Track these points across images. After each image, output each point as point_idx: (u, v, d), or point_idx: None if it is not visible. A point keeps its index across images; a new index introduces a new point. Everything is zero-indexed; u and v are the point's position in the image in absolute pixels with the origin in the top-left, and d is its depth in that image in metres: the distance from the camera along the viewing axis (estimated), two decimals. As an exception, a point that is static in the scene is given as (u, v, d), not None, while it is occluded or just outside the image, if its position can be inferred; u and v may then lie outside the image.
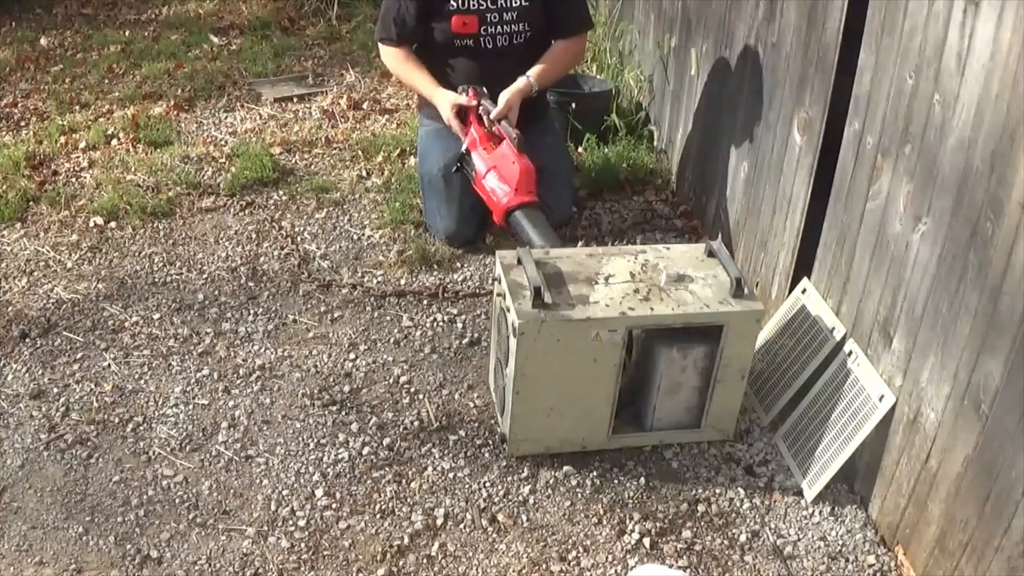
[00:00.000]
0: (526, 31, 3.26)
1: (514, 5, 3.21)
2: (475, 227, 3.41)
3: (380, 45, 3.40)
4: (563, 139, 3.80)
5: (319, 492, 2.43)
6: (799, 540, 2.35)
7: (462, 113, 3.18)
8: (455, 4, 3.18)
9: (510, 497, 2.44)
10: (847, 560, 2.30)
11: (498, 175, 2.93)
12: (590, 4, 4.86)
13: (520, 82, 3.17)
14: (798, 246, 2.72)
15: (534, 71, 3.20)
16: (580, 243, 2.79)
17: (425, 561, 2.27)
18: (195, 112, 4.47)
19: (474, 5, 3.19)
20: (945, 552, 2.07)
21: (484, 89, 3.17)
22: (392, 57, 3.36)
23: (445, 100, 3.20)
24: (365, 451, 2.56)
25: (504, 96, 3.11)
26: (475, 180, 3.03)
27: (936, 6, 1.99)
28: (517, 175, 2.88)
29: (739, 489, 2.49)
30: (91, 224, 3.53)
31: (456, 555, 2.29)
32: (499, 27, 3.23)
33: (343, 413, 2.69)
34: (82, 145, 4.08)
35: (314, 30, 5.53)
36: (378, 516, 2.38)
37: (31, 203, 3.66)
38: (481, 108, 3.12)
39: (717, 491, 2.48)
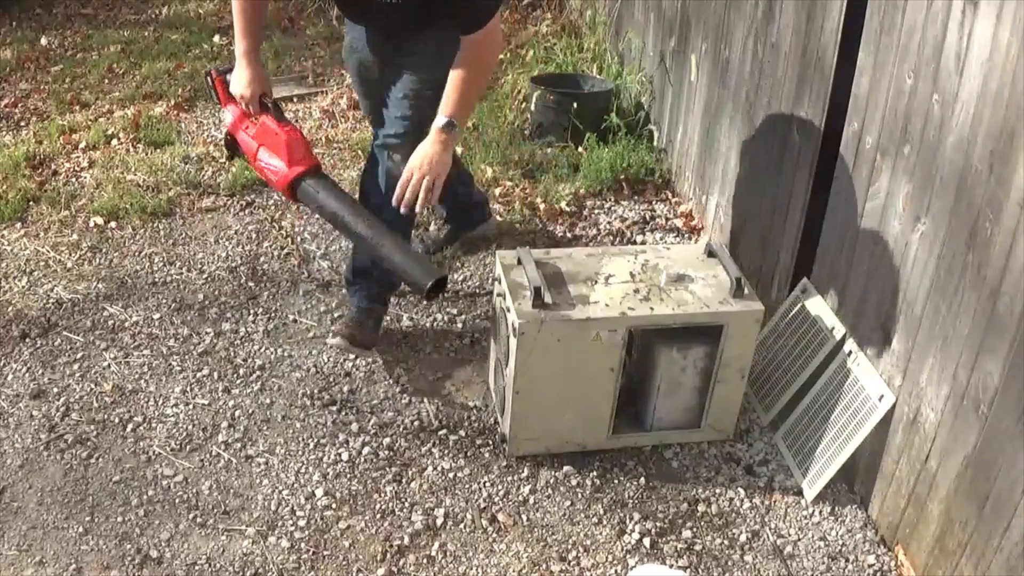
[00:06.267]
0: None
1: None
2: None
3: None
4: (432, 61, 2.61)
5: (319, 492, 2.43)
6: (799, 540, 2.35)
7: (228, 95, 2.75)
8: None
9: (510, 497, 2.45)
10: (847, 560, 2.30)
11: (268, 150, 2.68)
12: (590, 6, 4.89)
13: (433, 135, 2.43)
14: (798, 246, 2.72)
15: (447, 106, 2.43)
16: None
17: (425, 561, 2.27)
18: (195, 112, 4.47)
19: None
20: (945, 552, 2.08)
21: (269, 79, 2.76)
22: None
23: (236, 80, 2.70)
24: (365, 451, 2.56)
25: (413, 160, 2.43)
26: (250, 160, 2.78)
27: (935, 6, 2.00)
28: (284, 145, 2.63)
29: (739, 489, 2.49)
30: (91, 224, 3.53)
31: (456, 555, 2.29)
32: None
33: (343, 413, 2.69)
34: (82, 145, 4.08)
35: (314, 30, 5.53)
36: (378, 516, 2.38)
37: (31, 203, 3.66)
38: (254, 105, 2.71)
39: (717, 491, 2.48)
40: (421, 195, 2.41)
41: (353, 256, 2.94)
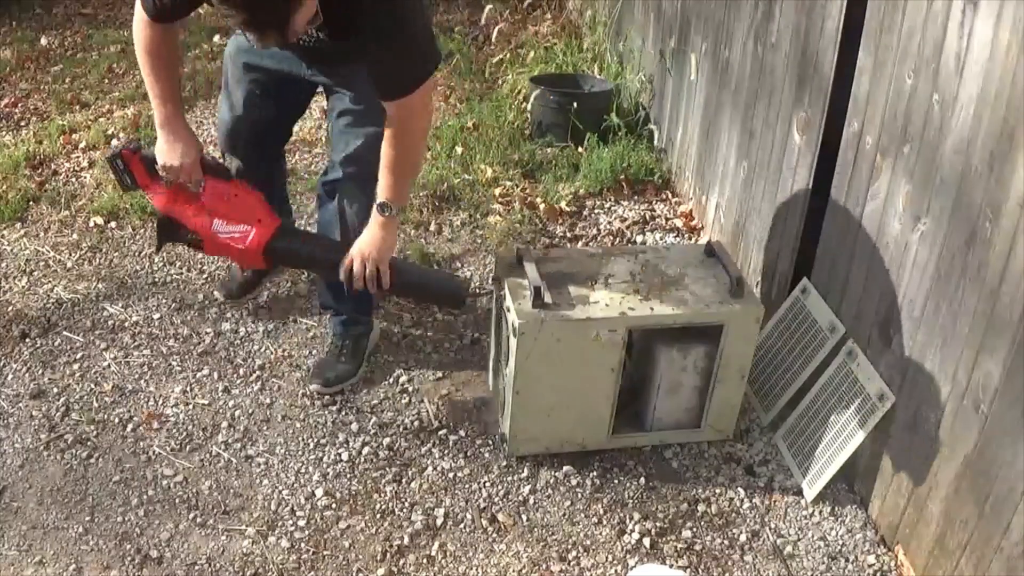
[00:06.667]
0: (323, 45, 2.32)
1: (312, 32, 2.22)
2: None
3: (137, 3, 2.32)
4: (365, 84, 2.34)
5: (319, 492, 2.43)
6: (799, 540, 2.35)
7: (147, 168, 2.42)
8: None
9: (510, 497, 2.45)
10: (847, 560, 2.30)
11: (225, 218, 2.40)
12: (590, 6, 4.89)
13: (372, 220, 2.35)
14: (798, 246, 2.72)
15: (382, 188, 2.33)
16: (580, 243, 2.77)
17: (425, 561, 2.27)
18: (195, 112, 4.46)
19: None
20: (945, 552, 2.08)
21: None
22: (142, 30, 2.33)
23: (168, 151, 2.38)
24: (365, 451, 2.56)
25: (355, 246, 2.37)
26: (205, 243, 2.43)
27: (935, 6, 2.00)
28: (248, 204, 2.39)
29: (739, 489, 2.49)
30: (91, 224, 3.53)
31: (456, 555, 2.29)
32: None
33: (343, 413, 2.69)
34: (82, 145, 4.08)
35: (314, 30, 5.52)
36: (378, 516, 2.38)
37: (31, 203, 3.66)
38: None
39: (717, 491, 2.48)
40: (369, 286, 2.36)
41: (318, 288, 2.90)
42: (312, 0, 1.96)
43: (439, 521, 2.37)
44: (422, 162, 2.74)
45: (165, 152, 2.38)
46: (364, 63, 2.22)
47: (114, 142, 2.42)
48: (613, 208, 3.72)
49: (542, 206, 3.66)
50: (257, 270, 2.83)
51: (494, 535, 2.35)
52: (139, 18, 2.32)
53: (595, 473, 2.52)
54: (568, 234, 3.54)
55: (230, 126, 2.67)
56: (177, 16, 2.35)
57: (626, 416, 2.58)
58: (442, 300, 2.60)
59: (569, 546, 2.32)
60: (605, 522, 2.38)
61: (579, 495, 2.46)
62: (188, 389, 2.77)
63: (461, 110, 4.45)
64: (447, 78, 4.86)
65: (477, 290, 3.22)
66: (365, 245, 2.36)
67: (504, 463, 2.54)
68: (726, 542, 2.34)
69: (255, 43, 2.08)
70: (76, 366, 2.84)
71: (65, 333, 2.98)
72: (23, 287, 3.19)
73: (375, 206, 2.35)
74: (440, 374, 2.85)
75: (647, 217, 3.67)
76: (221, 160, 2.48)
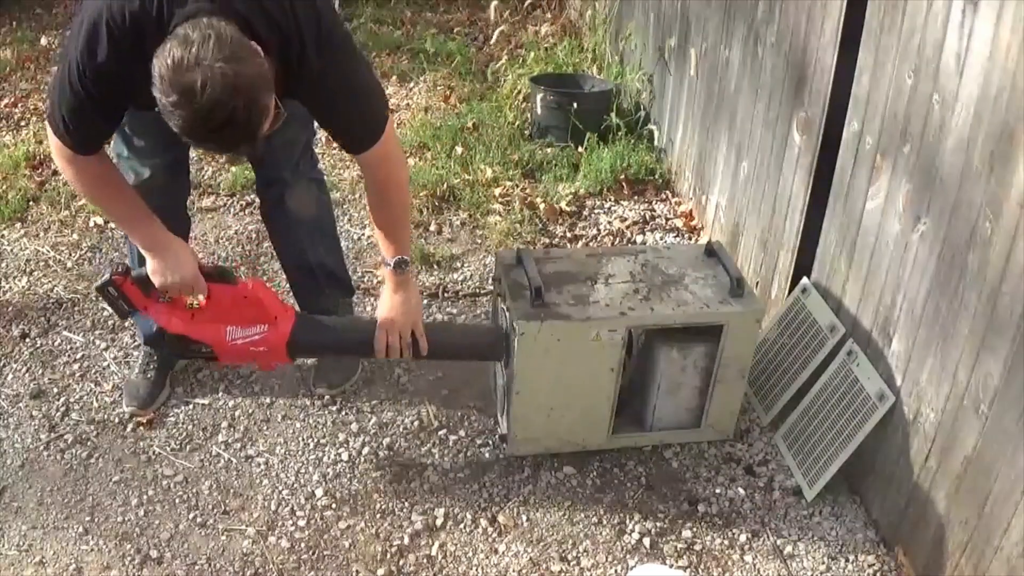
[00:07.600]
0: None
1: None
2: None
3: (51, 135, 2.04)
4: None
5: (319, 492, 2.43)
6: (799, 540, 2.35)
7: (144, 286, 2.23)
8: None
9: (510, 497, 2.45)
10: (847, 560, 2.30)
11: (237, 324, 2.27)
12: (590, 6, 4.89)
13: (389, 284, 2.28)
14: (798, 246, 2.72)
15: (387, 248, 2.24)
16: (580, 243, 2.77)
17: (425, 561, 2.27)
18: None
19: None
20: (945, 552, 2.08)
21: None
22: (68, 168, 2.08)
23: (166, 269, 2.17)
24: (365, 451, 2.56)
25: (383, 314, 2.29)
26: (220, 353, 2.31)
27: (935, 6, 2.00)
28: (261, 302, 2.26)
29: (739, 489, 2.49)
30: (91, 224, 3.53)
31: (456, 555, 2.29)
32: None
33: (343, 413, 2.69)
34: (82, 145, 4.08)
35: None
36: (378, 516, 2.38)
37: (31, 203, 3.66)
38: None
39: (717, 491, 2.48)
40: (406, 353, 2.31)
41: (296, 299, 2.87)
42: (272, 99, 1.80)
43: (439, 521, 2.37)
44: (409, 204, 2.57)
45: (161, 272, 2.17)
46: (320, 118, 2.13)
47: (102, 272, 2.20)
48: (613, 208, 3.72)
49: (542, 206, 3.66)
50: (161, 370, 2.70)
51: (494, 535, 2.35)
52: (63, 158, 2.05)
53: (595, 473, 2.52)
54: (568, 234, 3.54)
55: (147, 184, 2.33)
56: (103, 140, 2.09)
57: (626, 416, 2.58)
58: (481, 356, 2.56)
59: (569, 546, 2.32)
60: (605, 522, 2.38)
61: (579, 495, 2.46)
62: (188, 389, 2.77)
63: (461, 110, 4.45)
64: (447, 78, 4.87)
65: (478, 290, 3.22)
66: (392, 314, 2.27)
67: (504, 463, 2.54)
68: (726, 542, 2.34)
69: (227, 162, 1.93)
70: (76, 366, 2.84)
71: (65, 333, 2.98)
72: (23, 287, 3.19)
73: (389, 269, 2.24)
74: (440, 374, 2.85)
75: (647, 217, 3.67)
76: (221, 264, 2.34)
